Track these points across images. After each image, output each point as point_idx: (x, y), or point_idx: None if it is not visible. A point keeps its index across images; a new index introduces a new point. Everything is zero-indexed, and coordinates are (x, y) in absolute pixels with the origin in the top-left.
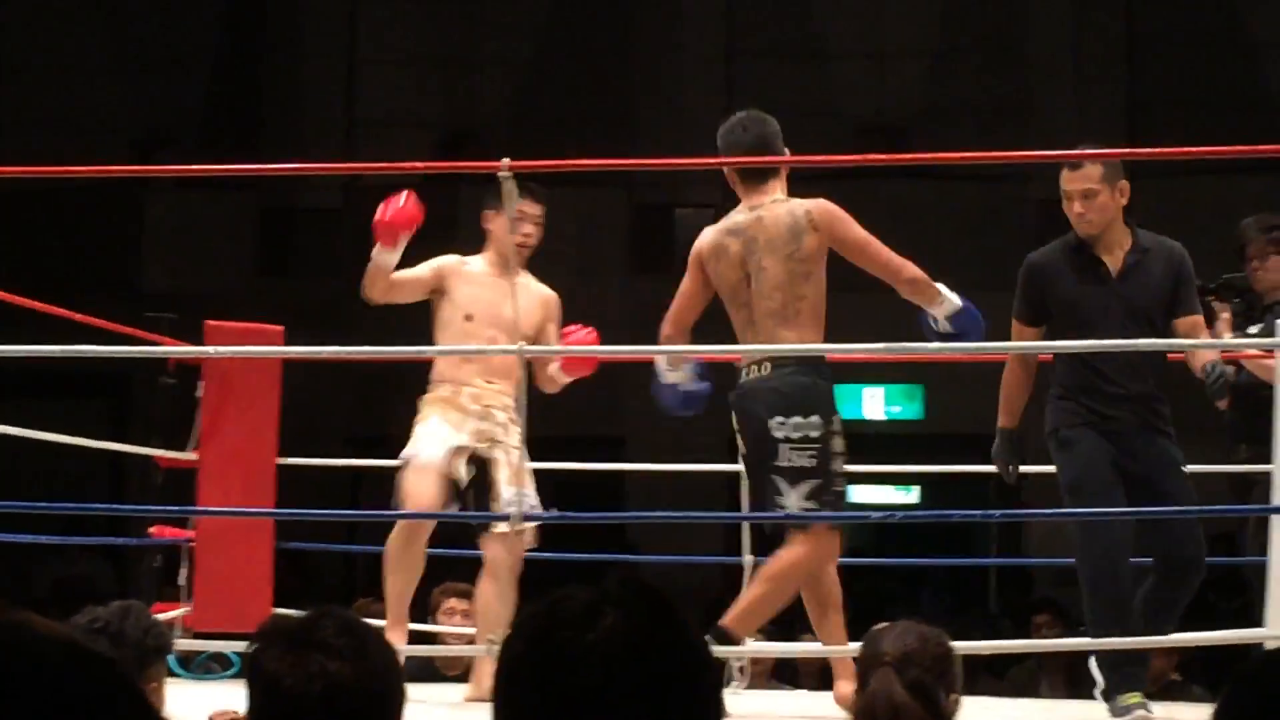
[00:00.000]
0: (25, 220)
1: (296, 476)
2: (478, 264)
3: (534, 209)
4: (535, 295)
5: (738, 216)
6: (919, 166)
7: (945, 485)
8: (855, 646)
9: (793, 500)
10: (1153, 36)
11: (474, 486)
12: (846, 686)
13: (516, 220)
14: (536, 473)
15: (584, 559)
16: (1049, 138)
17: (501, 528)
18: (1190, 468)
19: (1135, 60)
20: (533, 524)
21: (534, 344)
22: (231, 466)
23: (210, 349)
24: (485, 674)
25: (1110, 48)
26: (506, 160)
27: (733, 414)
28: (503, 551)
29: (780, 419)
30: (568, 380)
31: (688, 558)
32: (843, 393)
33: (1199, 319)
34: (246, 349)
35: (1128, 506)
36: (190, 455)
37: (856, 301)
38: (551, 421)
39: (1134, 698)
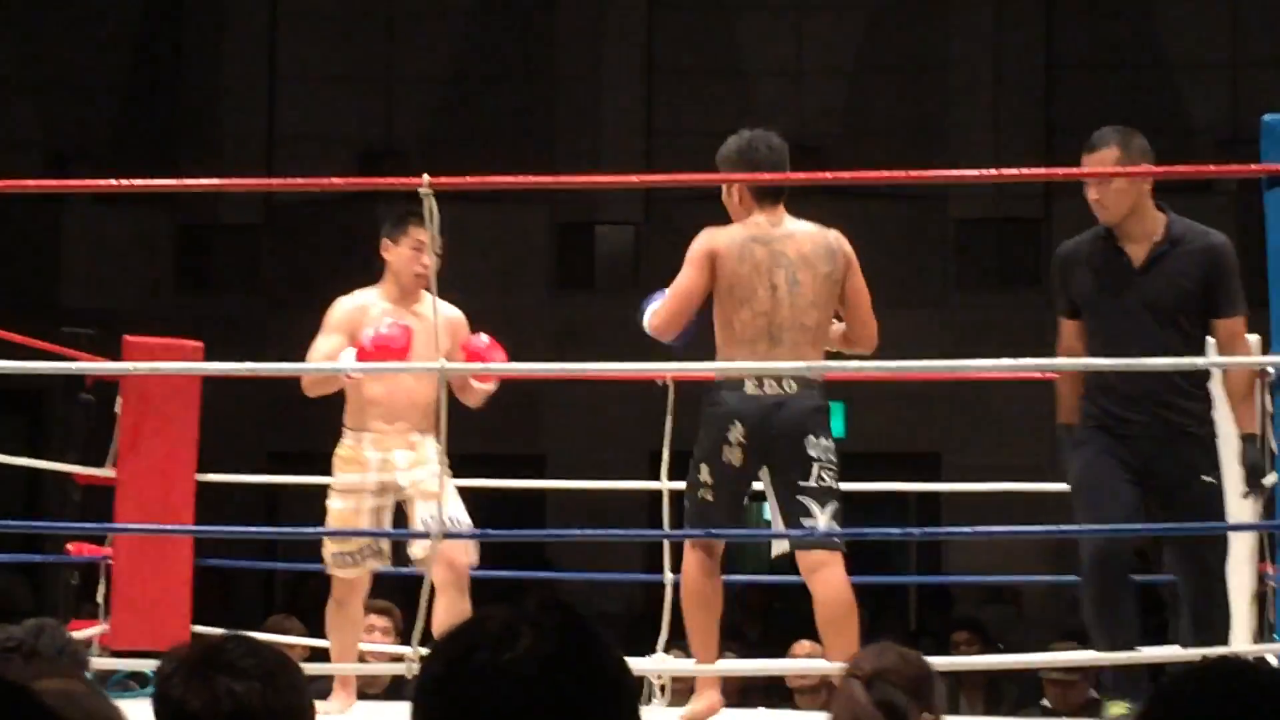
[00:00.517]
0: None
1: (215, 493)
2: (377, 303)
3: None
4: (441, 322)
5: (761, 229)
6: (838, 185)
7: (866, 503)
8: (725, 665)
9: (823, 521)
10: (1071, 58)
11: (399, 523)
12: (699, 702)
13: (415, 250)
14: (457, 490)
15: (503, 577)
16: (967, 158)
17: (419, 546)
18: None
19: (1053, 81)
20: (470, 539)
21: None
22: (150, 483)
23: (128, 365)
24: None
25: (1029, 68)
26: (427, 177)
27: (739, 422)
28: (442, 569)
29: (813, 438)
30: (490, 388)
31: (608, 575)
32: None
33: (1236, 324)
34: (165, 365)
35: (1138, 507)
36: (108, 472)
37: None
38: (472, 439)
39: (1117, 708)
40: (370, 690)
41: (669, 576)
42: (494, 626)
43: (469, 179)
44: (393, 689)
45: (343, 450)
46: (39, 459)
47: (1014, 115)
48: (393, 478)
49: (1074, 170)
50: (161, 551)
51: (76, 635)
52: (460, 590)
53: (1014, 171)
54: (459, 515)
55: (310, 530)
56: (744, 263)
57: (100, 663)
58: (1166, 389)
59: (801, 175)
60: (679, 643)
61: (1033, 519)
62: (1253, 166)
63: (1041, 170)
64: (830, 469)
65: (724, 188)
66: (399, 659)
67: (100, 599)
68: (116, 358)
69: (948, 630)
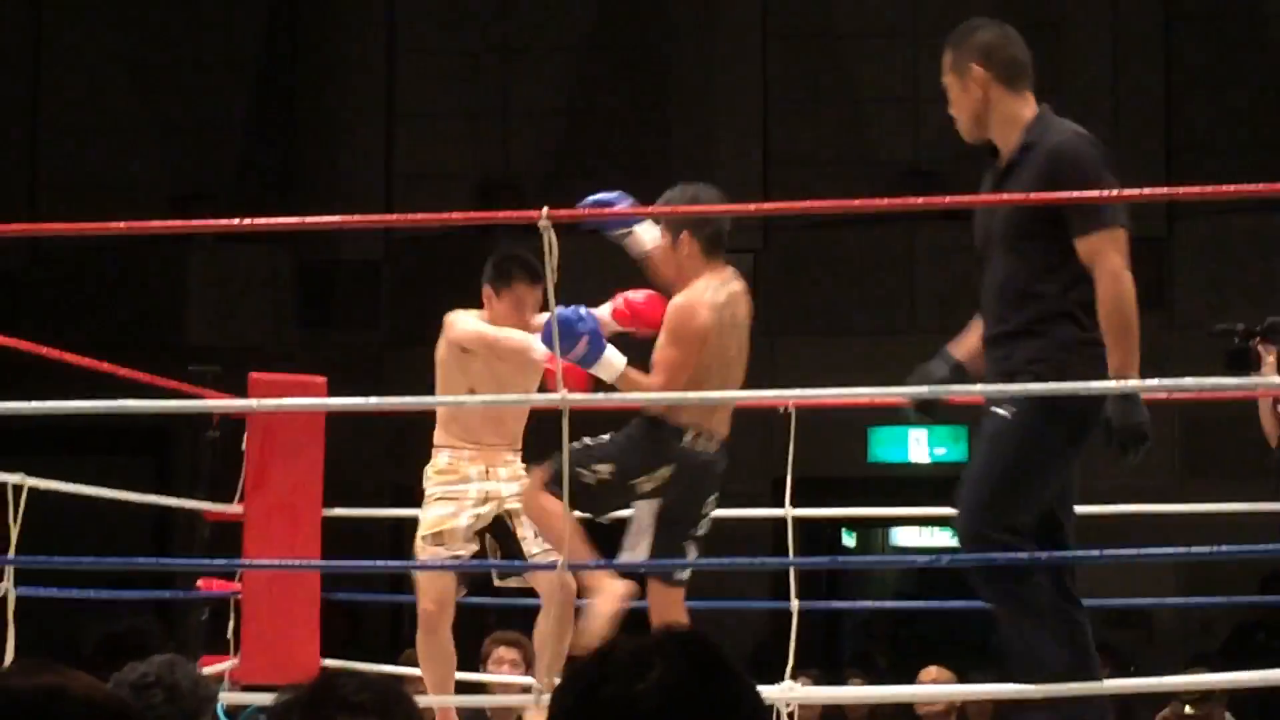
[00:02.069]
0: (71, 279)
1: (341, 527)
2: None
3: (533, 294)
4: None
5: (720, 292)
6: (956, 209)
7: None
8: (854, 692)
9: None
10: (1191, 76)
11: (498, 538)
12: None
13: (514, 309)
14: None
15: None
16: None
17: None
18: (1234, 506)
19: (1174, 101)
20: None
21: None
22: (277, 518)
23: (254, 402)
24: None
25: (1148, 87)
26: (545, 209)
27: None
28: (553, 583)
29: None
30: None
31: (733, 603)
32: (889, 435)
33: (1093, 241)
34: (290, 401)
35: None
36: (236, 508)
37: (899, 344)
38: None
39: None
40: None
41: (795, 604)
42: (624, 657)
43: (587, 211)
44: None
45: (439, 464)
46: (168, 497)
47: (1133, 135)
48: (496, 487)
49: (1194, 189)
50: (290, 586)
51: (207, 670)
52: (567, 606)
53: (1133, 191)
54: None
55: (435, 563)
56: (722, 336)
57: (231, 697)
58: (999, 332)
59: (920, 200)
60: (806, 670)
61: (1163, 540)
62: None
63: (1162, 190)
64: None
65: (670, 242)
66: (528, 690)
67: (230, 634)
68: (242, 395)
69: None
